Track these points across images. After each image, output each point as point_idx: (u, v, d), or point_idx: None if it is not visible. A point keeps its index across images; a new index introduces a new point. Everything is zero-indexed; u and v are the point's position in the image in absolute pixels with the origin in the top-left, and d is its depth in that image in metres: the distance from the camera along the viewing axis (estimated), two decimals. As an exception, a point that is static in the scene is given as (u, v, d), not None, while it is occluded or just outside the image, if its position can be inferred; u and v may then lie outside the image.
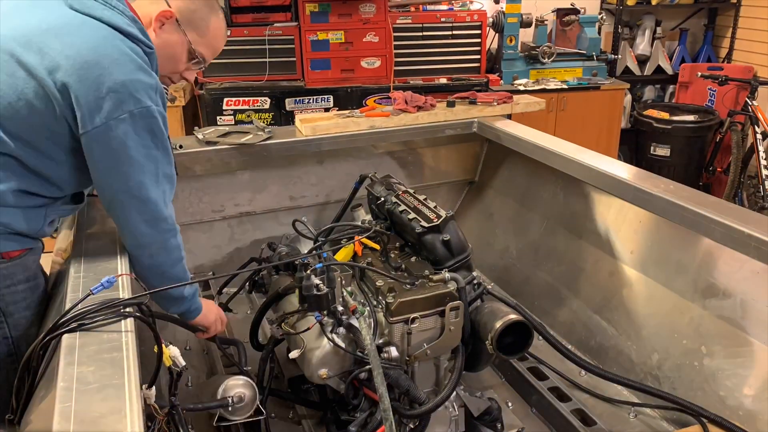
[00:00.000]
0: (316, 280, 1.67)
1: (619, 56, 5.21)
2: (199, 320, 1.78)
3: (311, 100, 4.21)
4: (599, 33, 4.87)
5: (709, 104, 5.08)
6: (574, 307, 2.45)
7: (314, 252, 2.02)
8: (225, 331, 1.95)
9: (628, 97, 5.23)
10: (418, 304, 1.70)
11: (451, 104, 3.01)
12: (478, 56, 4.45)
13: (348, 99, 4.20)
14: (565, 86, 4.58)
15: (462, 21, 4.35)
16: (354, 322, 1.71)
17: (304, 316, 1.80)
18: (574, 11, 4.85)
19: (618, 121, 4.77)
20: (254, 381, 1.77)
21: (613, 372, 2.12)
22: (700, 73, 4.84)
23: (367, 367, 1.65)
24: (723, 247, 1.86)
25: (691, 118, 4.90)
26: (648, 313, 2.17)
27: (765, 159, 4.45)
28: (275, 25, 4.16)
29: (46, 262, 1.77)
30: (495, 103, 3.01)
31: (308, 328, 1.72)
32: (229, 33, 4.04)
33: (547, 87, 4.54)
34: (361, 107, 3.11)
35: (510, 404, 2.16)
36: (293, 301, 1.92)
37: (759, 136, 4.54)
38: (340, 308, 1.71)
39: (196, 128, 2.74)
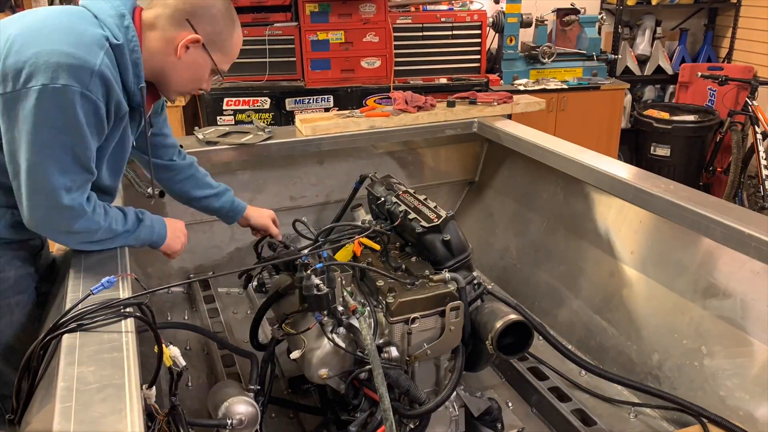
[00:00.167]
0: (317, 280, 1.67)
1: (619, 56, 5.21)
2: (169, 242, 1.79)
3: (311, 100, 4.22)
4: (599, 33, 4.87)
5: (709, 104, 5.08)
6: (575, 307, 2.45)
7: (314, 251, 2.02)
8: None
9: (628, 97, 5.24)
10: (418, 304, 1.70)
11: (451, 104, 3.01)
12: (478, 56, 4.45)
13: (348, 99, 4.20)
14: (565, 86, 4.59)
15: (462, 21, 4.35)
16: (354, 322, 1.71)
17: (305, 316, 1.80)
18: (574, 11, 4.85)
19: (618, 121, 4.77)
20: (261, 399, 1.78)
21: (614, 372, 2.12)
22: (700, 73, 4.84)
23: (368, 367, 1.65)
24: (723, 247, 1.86)
25: (691, 118, 4.90)
26: (648, 313, 2.17)
27: (765, 159, 4.45)
28: (275, 25, 4.16)
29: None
30: (495, 103, 3.01)
31: (308, 328, 1.72)
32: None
33: (547, 87, 4.54)
34: (361, 107, 3.11)
35: (510, 404, 2.16)
36: (293, 301, 1.92)
37: (759, 136, 4.54)
38: (340, 308, 1.71)
39: (196, 128, 2.74)
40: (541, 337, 1.99)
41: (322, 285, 1.66)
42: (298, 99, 4.20)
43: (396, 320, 1.69)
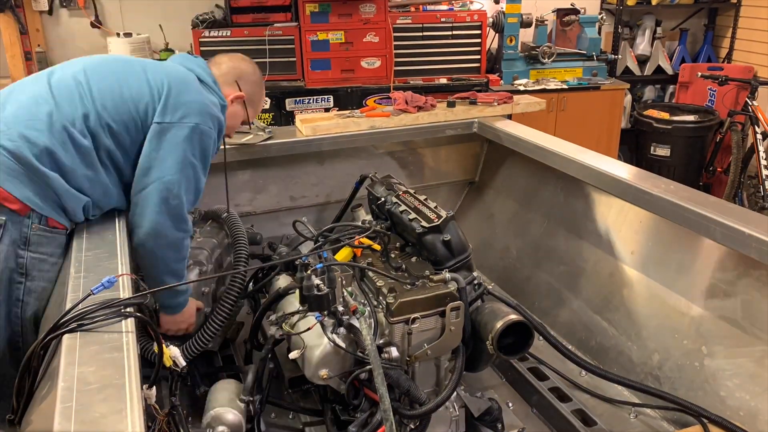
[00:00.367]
0: (317, 281, 1.67)
1: (619, 56, 5.20)
2: (177, 317, 1.94)
3: (311, 100, 4.21)
4: (599, 33, 4.87)
5: (709, 104, 5.08)
6: (575, 307, 2.45)
7: (315, 252, 2.02)
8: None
9: (629, 97, 5.23)
10: (418, 304, 1.70)
11: (451, 104, 3.01)
12: (478, 56, 4.44)
13: (348, 99, 4.20)
14: (565, 86, 4.58)
15: (462, 21, 4.35)
16: (354, 322, 1.71)
17: (305, 316, 1.80)
18: (574, 11, 4.84)
19: (618, 121, 4.77)
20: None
21: (614, 372, 2.12)
22: (700, 73, 4.84)
23: (368, 367, 1.65)
24: (723, 247, 1.86)
25: (691, 118, 4.89)
26: (648, 314, 2.17)
27: (765, 159, 4.45)
28: (275, 25, 4.16)
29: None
30: (495, 104, 3.01)
31: (309, 329, 1.72)
32: (228, 33, 4.07)
33: (548, 87, 4.53)
34: (362, 107, 3.11)
35: (510, 404, 2.16)
36: (293, 302, 1.92)
37: (759, 136, 4.53)
38: (340, 308, 1.71)
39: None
40: (541, 338, 1.99)
41: (322, 285, 1.66)
42: (298, 99, 4.20)
43: (396, 320, 1.69)
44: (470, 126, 2.99)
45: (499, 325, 1.71)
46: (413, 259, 1.94)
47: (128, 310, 1.33)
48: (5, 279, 1.67)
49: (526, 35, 4.93)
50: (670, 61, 5.45)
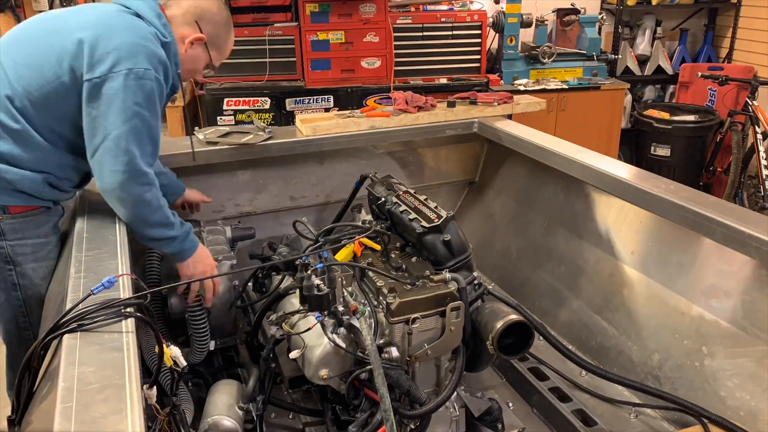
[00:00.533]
0: (317, 281, 1.67)
1: (620, 56, 5.20)
2: (190, 261, 1.88)
3: (311, 101, 4.21)
4: (599, 33, 4.87)
5: (710, 104, 5.08)
6: (575, 307, 2.45)
7: (314, 251, 2.02)
8: (210, 294, 1.98)
9: (629, 97, 5.23)
10: (418, 304, 1.70)
11: (451, 104, 3.01)
12: (479, 56, 4.44)
13: (348, 99, 4.20)
14: (565, 86, 4.58)
15: (462, 21, 4.34)
16: (355, 322, 1.71)
17: (305, 316, 1.80)
18: (575, 11, 4.84)
19: (618, 121, 4.77)
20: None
21: (614, 372, 2.12)
22: (700, 73, 4.84)
23: (368, 367, 1.65)
24: (723, 247, 1.86)
25: (691, 118, 4.89)
26: (649, 314, 2.17)
27: (765, 159, 4.44)
28: (275, 25, 4.16)
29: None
30: (495, 104, 3.01)
31: (309, 329, 1.72)
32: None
33: (548, 87, 4.53)
34: (362, 107, 3.11)
35: (511, 404, 2.16)
36: (294, 302, 1.92)
37: (759, 136, 4.53)
38: (340, 308, 1.71)
39: (196, 128, 2.74)
40: (541, 338, 1.99)
41: (322, 285, 1.66)
42: (298, 99, 4.20)
43: (396, 320, 1.69)
44: (470, 126, 2.99)
45: (499, 325, 1.71)
46: (413, 259, 1.94)
47: (128, 310, 1.33)
48: None
49: (527, 35, 4.93)
50: (671, 61, 5.45)
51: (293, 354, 1.75)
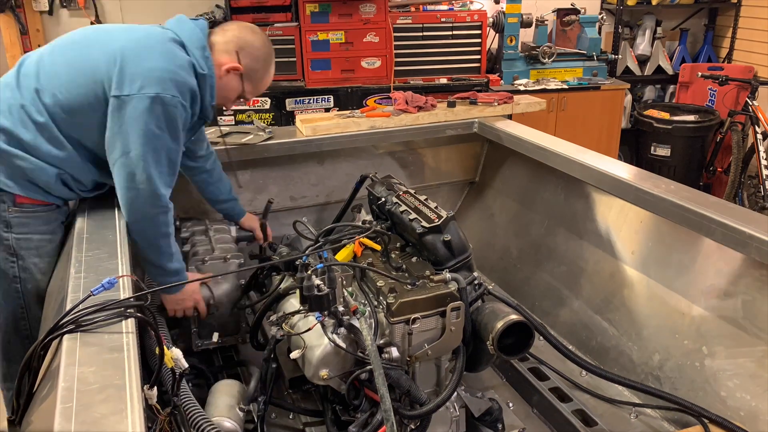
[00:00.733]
0: (317, 281, 1.67)
1: (620, 56, 5.20)
2: (177, 297, 1.95)
3: (311, 101, 4.21)
4: (599, 33, 4.87)
5: (710, 104, 5.08)
6: (575, 307, 2.45)
7: (314, 252, 2.02)
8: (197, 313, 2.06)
9: (629, 97, 5.23)
10: (419, 304, 1.70)
11: (451, 104, 3.01)
12: (479, 56, 4.44)
13: (348, 99, 4.20)
14: (565, 86, 4.58)
15: (462, 21, 4.34)
16: (355, 322, 1.71)
17: (305, 316, 1.80)
18: (575, 11, 4.84)
19: (618, 121, 4.77)
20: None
21: (614, 372, 2.12)
22: (700, 73, 4.84)
23: (368, 367, 1.65)
24: (724, 247, 1.86)
25: (691, 118, 4.89)
26: (649, 314, 2.17)
27: (765, 159, 4.45)
28: (275, 25, 4.16)
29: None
30: (495, 104, 3.01)
31: (309, 329, 1.72)
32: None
33: (548, 87, 4.53)
34: (362, 107, 3.11)
35: (511, 405, 2.16)
36: (294, 302, 1.92)
37: (759, 136, 4.53)
38: (341, 309, 1.71)
39: (196, 128, 2.73)
40: (541, 338, 1.99)
41: (322, 285, 1.66)
42: (298, 99, 4.20)
43: (397, 320, 1.69)
44: (470, 126, 2.99)
45: (499, 325, 1.71)
46: (414, 259, 1.94)
47: (129, 310, 1.32)
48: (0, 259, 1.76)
49: (527, 35, 4.93)
50: (671, 61, 5.45)
51: (294, 354, 1.75)
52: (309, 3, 4.07)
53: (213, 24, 2.01)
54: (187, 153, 2.14)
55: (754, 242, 1.72)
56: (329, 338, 1.68)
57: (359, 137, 2.80)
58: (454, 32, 4.36)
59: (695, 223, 1.90)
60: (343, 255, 1.99)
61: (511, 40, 4.61)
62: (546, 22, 4.86)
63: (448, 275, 1.76)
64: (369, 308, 1.78)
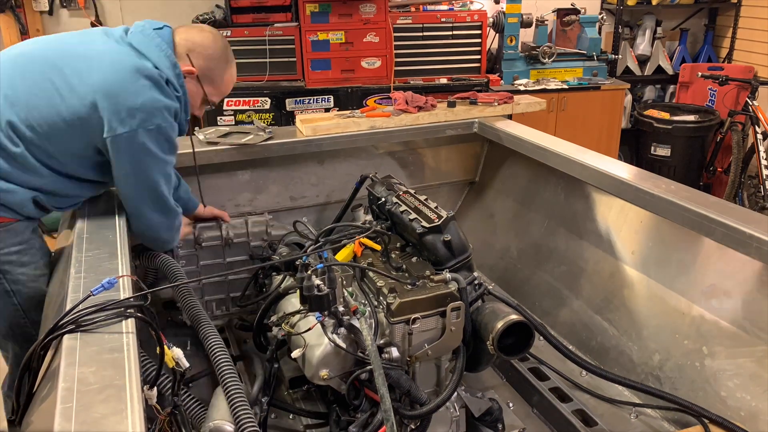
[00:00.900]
0: (317, 281, 1.67)
1: (620, 56, 5.20)
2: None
3: (311, 101, 4.21)
4: (599, 33, 4.87)
5: (710, 104, 5.08)
6: (575, 307, 2.45)
7: (313, 252, 2.02)
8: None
9: (629, 97, 5.23)
10: (419, 304, 1.70)
11: (451, 104, 3.01)
12: (479, 56, 4.44)
13: (348, 99, 4.20)
14: (565, 86, 4.58)
15: (462, 21, 4.35)
16: (355, 322, 1.71)
17: (305, 316, 1.80)
18: (575, 11, 4.84)
19: (618, 121, 4.77)
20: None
21: (614, 372, 2.12)
22: (700, 73, 4.84)
23: (369, 367, 1.65)
24: (724, 247, 1.86)
25: (691, 118, 4.89)
26: (649, 314, 2.17)
27: (765, 159, 4.45)
28: (275, 25, 4.16)
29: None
30: (495, 104, 3.01)
31: (309, 329, 1.72)
32: (229, 33, 4.07)
33: (548, 87, 4.53)
34: (362, 107, 3.11)
35: (511, 405, 2.16)
36: (294, 302, 1.92)
37: (759, 136, 4.54)
38: (341, 309, 1.71)
39: (196, 128, 2.74)
40: (541, 338, 1.99)
41: (322, 285, 1.66)
42: (298, 99, 4.20)
43: (397, 321, 1.69)
44: (470, 126, 2.99)
45: (499, 325, 1.71)
46: (414, 260, 1.94)
47: (129, 310, 1.32)
48: None
49: (527, 35, 4.93)
50: (671, 61, 5.45)
51: (294, 354, 1.75)
52: (309, 3, 4.08)
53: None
54: None
55: (754, 242, 1.72)
56: (329, 338, 1.68)
57: (359, 137, 2.80)
58: (454, 32, 4.36)
59: (695, 223, 1.90)
60: (343, 255, 1.99)
61: (511, 40, 4.62)
62: (546, 22, 4.86)
63: (448, 275, 1.76)
64: (369, 308, 1.78)
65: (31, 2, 4.40)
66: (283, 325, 1.84)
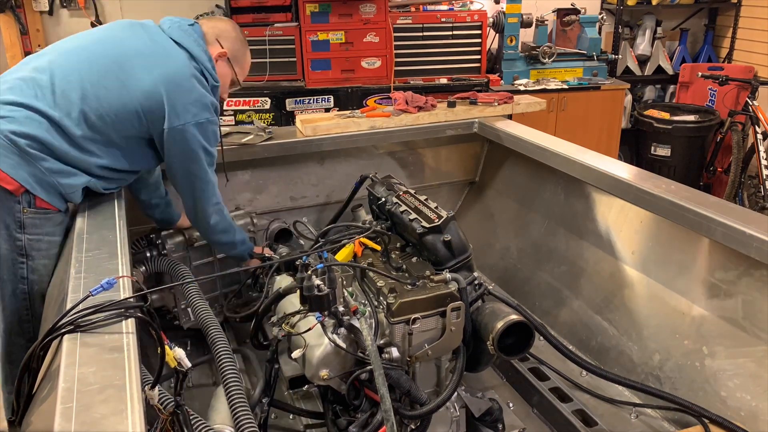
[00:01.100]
0: (317, 281, 1.67)
1: (620, 56, 5.20)
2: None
3: (312, 101, 4.21)
4: (600, 33, 4.87)
5: (710, 104, 5.08)
6: (575, 307, 2.45)
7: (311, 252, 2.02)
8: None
9: (629, 97, 5.23)
10: (419, 304, 1.70)
11: (451, 104, 3.01)
12: (479, 56, 4.44)
13: (348, 99, 4.20)
14: (565, 86, 4.58)
15: (462, 21, 4.34)
16: (355, 322, 1.71)
17: (305, 316, 1.80)
18: (575, 11, 4.84)
19: (618, 121, 4.77)
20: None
21: (614, 372, 2.12)
22: (700, 73, 4.84)
23: (369, 367, 1.65)
24: (724, 247, 1.86)
25: (691, 118, 4.89)
26: (649, 314, 2.17)
27: (765, 159, 4.44)
28: (276, 25, 4.16)
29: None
30: (495, 104, 3.01)
31: (309, 329, 1.72)
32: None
33: (548, 87, 4.53)
34: (362, 107, 3.11)
35: (511, 405, 2.16)
36: (294, 302, 1.92)
37: (759, 136, 4.53)
38: (341, 309, 1.71)
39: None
40: (541, 338, 1.99)
41: (323, 285, 1.66)
42: (298, 99, 4.20)
43: (397, 321, 1.69)
44: (470, 126, 2.99)
45: (499, 325, 1.71)
46: (414, 260, 1.94)
47: (128, 311, 1.32)
48: (9, 259, 1.80)
49: (527, 35, 4.92)
50: (671, 61, 5.45)
51: (295, 354, 1.75)
52: (309, 3, 4.07)
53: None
54: None
55: (754, 242, 1.72)
56: (329, 338, 1.68)
57: (359, 137, 2.80)
58: (454, 32, 4.36)
59: (695, 223, 1.90)
60: (343, 255, 1.99)
61: (511, 40, 4.61)
62: (546, 22, 4.86)
63: (448, 275, 1.76)
64: (369, 308, 1.78)
65: (31, 2, 4.40)
66: (283, 325, 1.84)
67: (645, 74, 5.45)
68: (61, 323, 1.27)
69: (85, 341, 1.25)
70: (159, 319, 2.29)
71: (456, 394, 1.82)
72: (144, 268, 2.20)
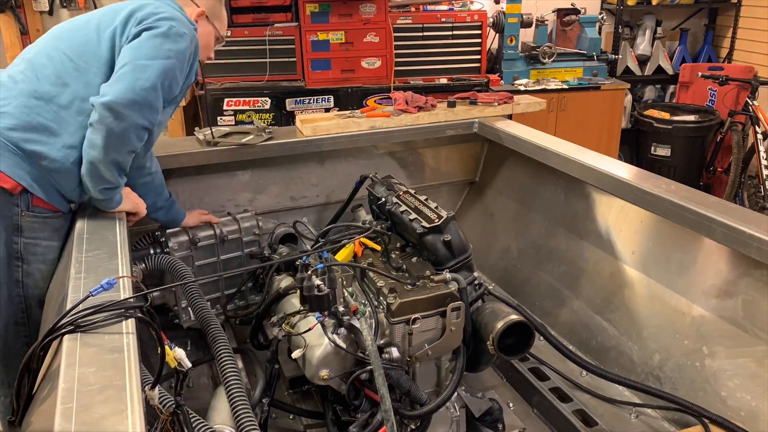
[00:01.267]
0: (317, 281, 1.67)
1: (620, 56, 5.20)
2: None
3: (312, 101, 4.21)
4: (600, 33, 4.87)
5: (710, 104, 5.08)
6: (575, 307, 2.45)
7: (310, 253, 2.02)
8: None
9: (629, 97, 5.23)
10: (419, 304, 1.70)
11: (451, 104, 3.01)
12: (479, 56, 4.44)
13: (348, 99, 4.20)
14: (565, 86, 4.58)
15: (462, 21, 4.35)
16: (355, 322, 1.71)
17: (305, 316, 1.80)
18: (575, 11, 4.84)
19: (618, 121, 4.77)
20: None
21: (615, 372, 2.12)
22: (700, 73, 4.84)
23: (369, 367, 1.65)
24: (724, 247, 1.86)
25: (691, 118, 4.89)
26: (649, 314, 2.17)
27: (766, 159, 4.44)
28: (276, 25, 4.16)
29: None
30: (495, 104, 3.01)
31: (309, 329, 1.72)
32: (229, 34, 4.07)
33: (548, 87, 4.53)
34: (362, 107, 3.11)
35: (511, 405, 2.16)
36: (294, 302, 1.92)
37: (759, 136, 4.53)
38: (341, 309, 1.71)
39: (196, 129, 2.74)
40: (542, 338, 1.99)
41: (323, 286, 1.66)
42: (298, 99, 4.20)
43: (397, 321, 1.69)
44: (471, 126, 2.99)
45: (499, 325, 1.71)
46: (414, 260, 1.94)
47: (129, 311, 1.32)
48: (5, 262, 1.77)
49: (527, 35, 4.93)
50: (671, 61, 5.45)
51: (295, 354, 1.75)
52: (309, 3, 4.07)
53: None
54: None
55: (754, 242, 1.72)
56: (329, 338, 1.68)
57: (359, 137, 2.80)
58: (454, 32, 4.36)
59: (695, 223, 1.90)
60: (343, 255, 1.99)
61: (511, 40, 4.62)
62: (546, 22, 4.86)
63: (448, 275, 1.77)
64: (369, 308, 1.78)
65: (31, 2, 4.40)
66: (283, 325, 1.84)
67: (645, 74, 5.45)
68: (61, 323, 1.27)
69: (85, 341, 1.25)
70: (159, 317, 2.30)
71: (456, 394, 1.82)
72: (144, 265, 2.19)
